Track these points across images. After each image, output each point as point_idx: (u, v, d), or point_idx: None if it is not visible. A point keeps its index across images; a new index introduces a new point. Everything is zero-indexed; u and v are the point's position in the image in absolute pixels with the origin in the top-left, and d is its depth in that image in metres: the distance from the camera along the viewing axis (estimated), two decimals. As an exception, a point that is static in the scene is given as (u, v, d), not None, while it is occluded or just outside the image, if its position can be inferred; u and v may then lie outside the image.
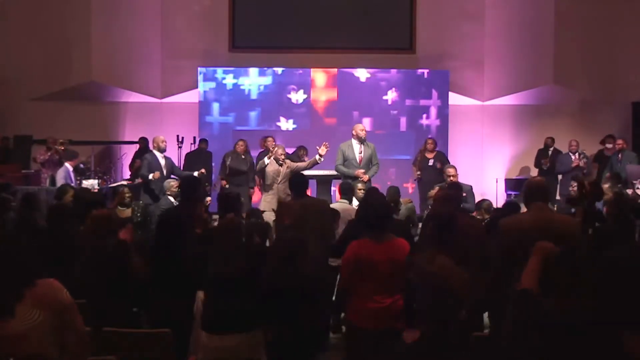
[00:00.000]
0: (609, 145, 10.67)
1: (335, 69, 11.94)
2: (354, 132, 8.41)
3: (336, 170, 8.37)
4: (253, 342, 3.88)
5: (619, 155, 9.99)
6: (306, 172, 8.35)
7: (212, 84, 11.85)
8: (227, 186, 9.42)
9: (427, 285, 2.31)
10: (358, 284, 3.89)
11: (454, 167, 8.04)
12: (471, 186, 7.95)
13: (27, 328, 2.48)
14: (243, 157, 9.69)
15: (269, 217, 6.95)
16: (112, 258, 4.17)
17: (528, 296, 2.81)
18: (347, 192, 6.81)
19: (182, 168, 10.00)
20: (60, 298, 2.58)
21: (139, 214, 7.21)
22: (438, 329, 2.41)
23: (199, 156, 10.63)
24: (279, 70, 11.87)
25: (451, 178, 7.70)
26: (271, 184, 7.81)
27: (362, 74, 11.92)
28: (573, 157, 10.33)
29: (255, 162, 9.45)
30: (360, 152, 8.30)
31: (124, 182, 9.62)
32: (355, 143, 8.34)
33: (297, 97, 11.87)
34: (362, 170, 8.11)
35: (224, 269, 3.94)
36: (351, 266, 3.91)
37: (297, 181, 5.81)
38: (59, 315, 2.56)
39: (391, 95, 11.91)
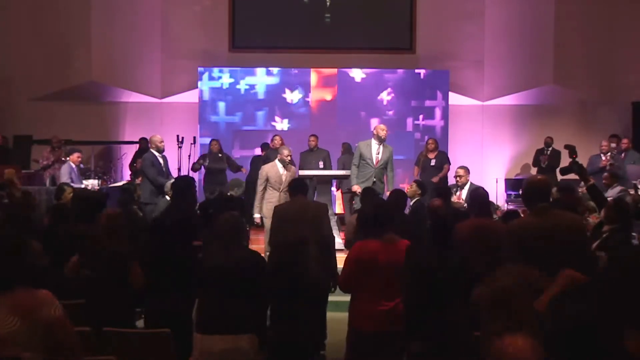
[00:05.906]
0: (613, 145, 10.47)
1: (335, 69, 11.94)
2: (374, 132, 8.23)
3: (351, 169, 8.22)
4: (246, 346, 3.79)
5: (622, 155, 9.96)
6: (307, 172, 8.39)
7: (217, 83, 11.83)
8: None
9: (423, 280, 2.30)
10: (361, 287, 3.86)
11: (463, 167, 7.93)
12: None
13: (4, 332, 2.47)
14: (220, 155, 10.02)
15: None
16: (123, 258, 4.15)
17: None
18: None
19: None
20: (45, 314, 2.52)
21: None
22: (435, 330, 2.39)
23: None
24: (275, 70, 11.87)
25: (457, 179, 7.74)
26: (274, 190, 7.43)
27: (357, 74, 11.89)
28: (603, 157, 9.82)
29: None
30: (378, 153, 8.09)
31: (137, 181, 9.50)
32: (374, 143, 8.13)
33: (292, 97, 11.85)
34: (358, 187, 7.84)
35: (221, 264, 3.90)
36: (352, 267, 3.88)
37: (294, 183, 5.82)
38: (44, 330, 2.51)
39: (385, 95, 11.88)
